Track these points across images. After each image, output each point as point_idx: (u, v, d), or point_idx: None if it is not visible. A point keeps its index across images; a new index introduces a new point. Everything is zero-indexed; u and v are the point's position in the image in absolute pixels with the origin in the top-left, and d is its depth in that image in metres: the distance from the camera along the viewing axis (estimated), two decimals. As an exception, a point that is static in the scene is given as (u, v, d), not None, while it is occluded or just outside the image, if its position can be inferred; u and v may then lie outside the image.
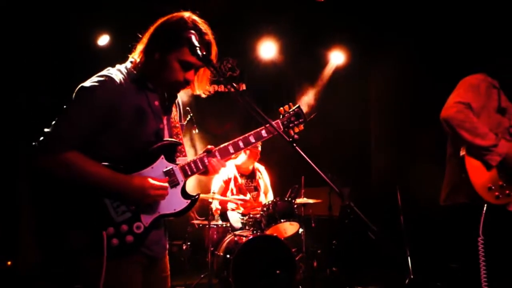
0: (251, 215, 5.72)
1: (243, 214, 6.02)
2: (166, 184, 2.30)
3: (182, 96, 2.62)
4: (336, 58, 8.19)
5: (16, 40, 6.25)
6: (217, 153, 2.47)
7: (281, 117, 2.64)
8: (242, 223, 5.88)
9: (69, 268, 2.33)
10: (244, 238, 5.28)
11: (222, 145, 2.50)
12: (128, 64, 2.39)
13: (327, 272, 6.27)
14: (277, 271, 5.16)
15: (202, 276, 5.78)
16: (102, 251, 2.13)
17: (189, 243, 5.91)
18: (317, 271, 5.94)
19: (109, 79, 2.24)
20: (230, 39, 7.83)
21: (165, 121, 2.42)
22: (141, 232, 2.25)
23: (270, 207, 5.56)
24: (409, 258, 6.21)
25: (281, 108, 2.66)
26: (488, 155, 3.25)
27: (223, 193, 6.10)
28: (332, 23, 7.67)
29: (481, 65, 3.55)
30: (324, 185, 5.93)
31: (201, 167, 2.42)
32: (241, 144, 2.52)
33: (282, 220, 5.52)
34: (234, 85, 2.29)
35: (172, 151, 2.39)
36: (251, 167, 6.26)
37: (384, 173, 7.55)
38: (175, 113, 2.51)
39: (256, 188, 6.27)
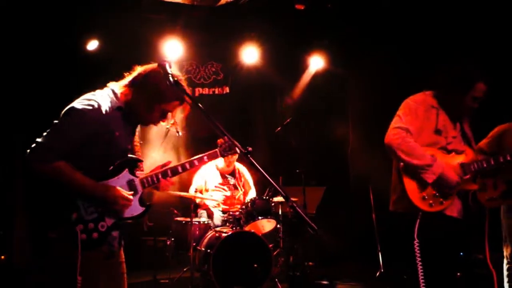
0: (231, 213, 6.07)
1: (223, 212, 6.38)
2: (132, 198, 2.75)
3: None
4: (316, 63, 8.48)
5: (7, 45, 6.45)
6: (169, 172, 2.92)
7: (219, 147, 3.10)
8: (222, 220, 6.24)
9: (47, 259, 2.67)
10: (224, 234, 5.61)
11: (173, 165, 2.95)
12: (110, 93, 2.79)
13: (303, 266, 6.60)
14: (254, 265, 5.48)
15: (184, 269, 6.09)
16: (75, 243, 2.57)
17: (172, 239, 6.18)
18: (293, 266, 6.28)
19: (98, 105, 2.66)
20: (214, 44, 8.15)
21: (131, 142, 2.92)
22: (104, 231, 2.69)
23: (249, 205, 5.91)
24: (380, 253, 6.61)
25: (219, 140, 3.18)
26: (424, 173, 3.52)
27: (204, 191, 6.45)
28: (312, 29, 7.95)
29: (426, 84, 3.86)
30: (299, 184, 6.30)
31: (156, 181, 2.89)
32: (187, 165, 2.98)
33: (260, 217, 5.88)
34: (188, 99, 2.71)
35: (134, 166, 2.86)
36: (230, 168, 6.62)
37: (360, 174, 7.83)
38: (136, 134, 2.99)
39: (236, 187, 6.62)
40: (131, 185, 2.81)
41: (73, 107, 2.64)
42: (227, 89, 8.51)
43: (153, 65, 2.84)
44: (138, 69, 2.86)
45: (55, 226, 2.59)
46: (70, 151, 2.61)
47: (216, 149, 3.09)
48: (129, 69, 2.95)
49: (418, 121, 3.64)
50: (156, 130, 7.17)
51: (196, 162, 3.00)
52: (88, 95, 2.73)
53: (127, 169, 2.81)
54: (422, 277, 3.47)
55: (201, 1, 7.38)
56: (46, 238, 2.59)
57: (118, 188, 2.71)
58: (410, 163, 3.54)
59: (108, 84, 2.86)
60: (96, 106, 2.66)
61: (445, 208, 3.62)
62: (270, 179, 2.32)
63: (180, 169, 2.95)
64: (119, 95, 2.80)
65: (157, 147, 6.37)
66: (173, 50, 7.78)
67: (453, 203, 3.65)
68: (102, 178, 2.71)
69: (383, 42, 7.23)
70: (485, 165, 3.69)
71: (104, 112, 2.67)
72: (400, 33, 7.00)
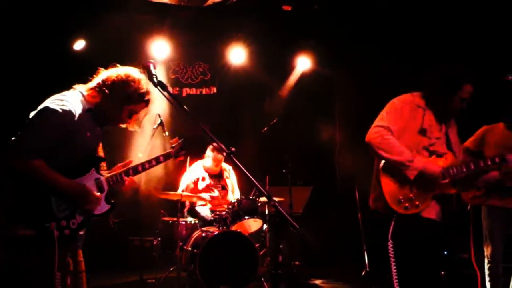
0: (218, 212, 6.09)
1: (211, 211, 6.39)
2: (100, 198, 2.89)
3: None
4: (303, 63, 8.51)
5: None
6: (131, 171, 3.08)
7: (171, 147, 3.31)
8: (210, 219, 6.25)
9: (23, 257, 2.68)
10: (210, 233, 5.63)
11: (134, 164, 3.12)
12: (79, 95, 2.88)
13: (289, 266, 6.64)
14: (241, 265, 5.52)
15: (171, 269, 6.07)
16: (50, 240, 2.64)
17: (159, 239, 6.19)
18: (280, 265, 6.30)
19: (71, 106, 2.74)
20: (202, 44, 8.16)
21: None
22: (75, 228, 2.79)
23: (235, 205, 5.94)
24: (365, 252, 6.66)
25: (171, 140, 3.35)
26: (406, 170, 3.53)
27: (193, 191, 6.46)
28: (299, 30, 7.98)
29: (413, 84, 3.89)
30: (286, 184, 6.32)
31: (119, 180, 3.05)
32: (147, 165, 3.15)
33: (246, 217, 5.91)
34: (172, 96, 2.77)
35: (98, 165, 2.99)
36: (217, 169, 6.64)
37: (347, 174, 7.87)
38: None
39: (224, 187, 6.64)
40: (98, 183, 2.94)
41: (48, 107, 2.70)
42: (214, 89, 8.53)
43: (121, 68, 2.95)
44: (106, 73, 2.95)
45: (30, 224, 2.64)
46: (45, 150, 2.67)
47: (170, 150, 3.28)
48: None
49: (402, 121, 3.65)
50: (142, 131, 7.18)
51: (154, 162, 3.18)
52: (59, 96, 2.80)
53: (94, 168, 2.95)
54: (396, 278, 3.49)
55: (188, 2, 7.40)
56: (21, 236, 2.62)
57: (91, 189, 2.83)
58: (390, 160, 3.55)
59: (75, 86, 2.94)
60: (69, 107, 2.74)
61: (421, 211, 3.61)
62: (253, 179, 2.36)
63: (140, 168, 3.12)
64: (87, 97, 2.90)
65: (144, 148, 6.36)
66: (160, 50, 7.81)
67: (429, 205, 3.64)
68: (72, 177, 2.79)
69: (370, 42, 7.28)
70: (464, 170, 3.64)
71: (75, 117, 2.76)
72: (387, 34, 7.06)
